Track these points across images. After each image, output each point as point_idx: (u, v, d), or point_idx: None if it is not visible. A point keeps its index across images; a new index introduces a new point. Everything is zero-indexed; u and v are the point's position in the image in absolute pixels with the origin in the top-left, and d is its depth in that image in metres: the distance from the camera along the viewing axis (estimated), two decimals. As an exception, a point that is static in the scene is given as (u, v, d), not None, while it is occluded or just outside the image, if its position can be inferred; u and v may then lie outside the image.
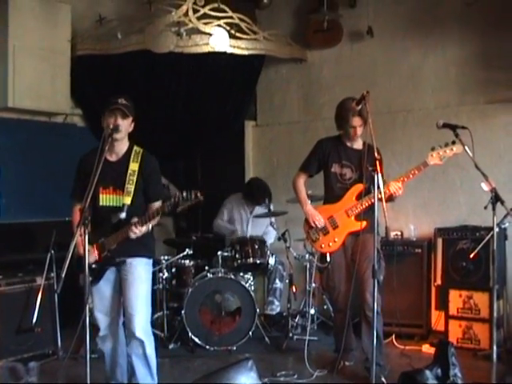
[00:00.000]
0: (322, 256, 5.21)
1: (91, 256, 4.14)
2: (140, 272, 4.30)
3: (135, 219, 4.12)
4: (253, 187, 7.06)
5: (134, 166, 4.27)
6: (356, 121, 4.99)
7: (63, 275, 3.53)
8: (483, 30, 6.41)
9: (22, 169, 6.36)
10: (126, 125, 4.24)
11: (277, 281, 6.71)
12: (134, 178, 4.25)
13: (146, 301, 4.33)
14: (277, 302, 6.73)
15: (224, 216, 7.08)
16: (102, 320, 4.38)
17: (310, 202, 5.42)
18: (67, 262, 3.56)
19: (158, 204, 4.32)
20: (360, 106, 4.71)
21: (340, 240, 5.09)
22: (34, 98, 6.32)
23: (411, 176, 4.86)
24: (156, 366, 4.39)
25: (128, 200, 4.23)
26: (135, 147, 4.37)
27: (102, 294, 4.35)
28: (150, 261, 4.46)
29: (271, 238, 6.87)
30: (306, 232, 5.25)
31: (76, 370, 4.85)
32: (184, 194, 3.98)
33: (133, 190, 4.24)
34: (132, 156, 4.31)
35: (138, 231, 4.11)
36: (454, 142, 4.66)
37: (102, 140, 4.08)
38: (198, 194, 3.99)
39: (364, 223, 4.84)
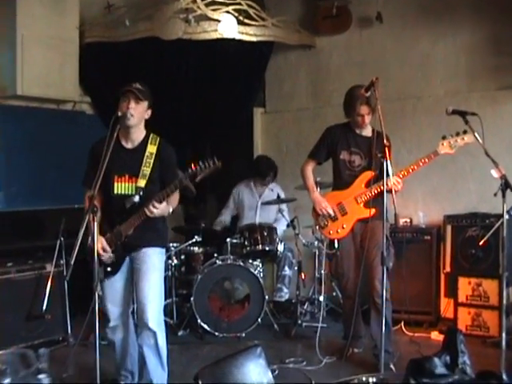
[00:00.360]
0: (331, 242, 5.22)
1: (106, 256, 4.14)
2: (154, 261, 4.23)
3: (153, 199, 4.01)
4: (259, 163, 7.13)
5: (151, 149, 4.17)
6: (364, 109, 4.97)
7: (72, 262, 3.52)
8: (494, 16, 6.36)
9: (31, 156, 6.37)
10: (139, 110, 4.11)
11: (286, 268, 6.70)
12: (151, 161, 4.15)
13: (160, 291, 4.25)
14: (286, 289, 6.73)
15: (230, 204, 7.10)
16: (113, 311, 4.31)
17: (318, 189, 5.42)
18: (76, 248, 3.55)
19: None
20: (369, 93, 4.69)
21: (348, 226, 5.08)
22: (42, 86, 6.33)
23: (421, 164, 4.82)
24: (166, 356, 4.34)
25: (142, 183, 4.13)
26: (152, 134, 4.27)
27: (113, 285, 4.28)
28: (164, 250, 4.40)
29: (283, 225, 6.85)
30: (314, 218, 5.25)
31: (86, 357, 4.89)
32: (201, 162, 3.90)
33: (149, 172, 4.14)
34: (150, 140, 4.22)
35: (156, 207, 4.01)
36: (465, 132, 4.63)
37: (111, 126, 3.94)
38: (216, 161, 3.91)
39: (373, 210, 4.83)
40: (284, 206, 6.90)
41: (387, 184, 4.34)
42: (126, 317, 4.40)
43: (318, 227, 5.26)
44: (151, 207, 4.00)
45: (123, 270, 4.28)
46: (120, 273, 4.28)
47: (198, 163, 3.91)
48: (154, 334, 4.17)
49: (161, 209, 4.06)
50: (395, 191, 4.71)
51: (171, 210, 4.23)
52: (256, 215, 6.92)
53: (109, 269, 4.19)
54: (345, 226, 5.10)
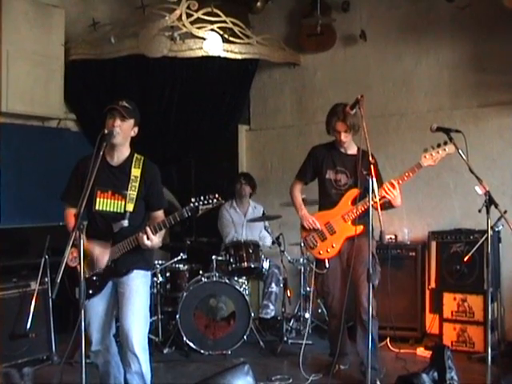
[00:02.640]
0: (320, 262, 5.18)
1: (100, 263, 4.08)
2: (138, 285, 4.14)
3: (147, 227, 3.96)
4: (235, 178, 7.19)
5: (136, 172, 4.11)
6: (339, 126, 5.01)
7: (58, 280, 3.46)
8: (475, 33, 6.45)
9: (16, 174, 6.33)
10: (125, 128, 4.04)
11: (273, 285, 6.69)
12: (137, 185, 4.10)
13: (144, 315, 4.17)
14: (272, 306, 6.71)
15: (227, 221, 7.08)
16: (94, 335, 4.19)
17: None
18: (62, 266, 3.50)
19: (160, 213, 4.19)
20: (354, 111, 4.72)
21: (338, 245, 5.08)
22: (27, 103, 6.30)
23: (405, 178, 4.84)
24: (151, 376, 4.24)
25: (131, 207, 4.08)
26: (136, 154, 4.20)
27: (94, 309, 4.15)
28: (149, 273, 4.31)
29: (268, 242, 6.85)
30: (303, 239, 5.23)
31: (71, 376, 4.82)
32: (202, 197, 3.90)
33: (135, 196, 4.09)
34: (134, 162, 4.15)
35: (151, 239, 3.95)
36: (446, 143, 4.67)
37: (98, 143, 3.86)
38: (218, 197, 3.91)
39: (360, 227, 4.84)
40: (267, 223, 6.88)
41: (373, 200, 4.35)
42: (108, 341, 4.28)
43: (307, 248, 5.25)
44: (145, 239, 3.96)
45: (105, 293, 4.18)
46: (102, 296, 4.17)
47: (200, 198, 3.90)
48: (139, 359, 4.07)
49: (155, 241, 4.01)
50: (390, 200, 4.80)
51: (160, 244, 4.20)
52: (242, 233, 6.91)
53: (90, 291, 4.08)
54: (334, 245, 5.09)
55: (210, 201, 3.91)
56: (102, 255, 4.08)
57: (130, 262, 4.11)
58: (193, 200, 3.92)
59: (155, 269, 6.17)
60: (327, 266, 5.11)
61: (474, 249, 5.48)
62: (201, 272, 6.36)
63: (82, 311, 3.56)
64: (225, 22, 6.66)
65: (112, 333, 4.32)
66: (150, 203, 4.21)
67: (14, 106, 6.20)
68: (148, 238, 3.96)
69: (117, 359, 4.35)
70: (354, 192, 5.02)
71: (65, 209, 4.27)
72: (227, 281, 6.08)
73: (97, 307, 4.17)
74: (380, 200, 4.43)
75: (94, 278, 4.11)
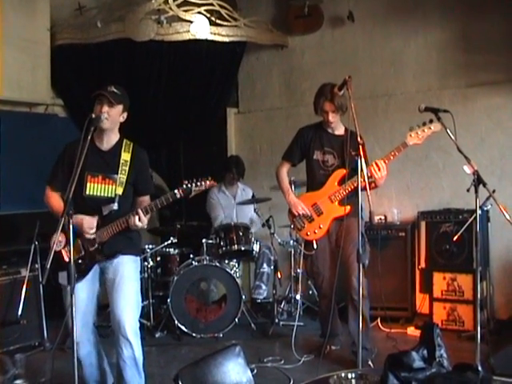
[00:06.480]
0: (309, 243, 5.20)
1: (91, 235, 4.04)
2: (128, 270, 4.11)
3: (139, 209, 3.95)
4: (226, 160, 7.17)
5: (126, 156, 4.10)
6: (327, 105, 5.00)
7: (48, 266, 3.44)
8: (464, 13, 6.44)
9: (3, 160, 6.30)
10: (114, 113, 4.01)
11: (264, 265, 6.72)
12: (127, 169, 4.09)
13: (136, 301, 4.12)
14: (264, 287, 6.75)
15: (216, 204, 7.05)
16: (77, 324, 3.91)
17: (293, 187, 5.43)
18: (52, 252, 3.49)
19: (147, 198, 4.18)
20: (342, 92, 4.72)
21: (325, 226, 5.09)
22: (14, 89, 6.27)
23: (391, 157, 4.83)
24: (143, 360, 4.19)
25: (120, 190, 4.07)
26: (125, 140, 4.20)
27: (78, 297, 3.88)
28: (138, 258, 4.28)
29: (258, 224, 6.86)
30: (291, 221, 5.24)
31: (63, 361, 4.82)
32: (195, 180, 3.91)
33: (125, 180, 4.08)
34: (123, 146, 4.14)
35: (142, 219, 3.95)
36: (431, 121, 4.66)
37: (85, 127, 3.81)
38: (210, 180, 3.95)
39: (348, 208, 4.85)
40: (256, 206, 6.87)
41: (362, 181, 4.34)
42: (89, 330, 4.21)
43: (295, 229, 5.27)
44: (137, 219, 3.94)
45: (89, 279, 4.10)
46: (85, 282, 4.07)
47: (192, 180, 3.92)
48: (131, 344, 4.03)
49: (144, 222, 4.00)
50: (376, 179, 4.77)
51: (146, 226, 4.15)
52: (233, 216, 6.90)
53: (75, 275, 4.06)
54: (322, 226, 5.10)
55: (203, 183, 3.93)
56: (91, 222, 4.04)
57: (118, 245, 4.09)
58: (186, 182, 3.93)
59: (145, 253, 6.18)
60: (315, 247, 5.12)
61: (463, 228, 5.52)
62: (191, 256, 6.37)
63: (73, 297, 3.52)
64: (212, 4, 6.61)
65: (92, 321, 4.25)
66: (137, 188, 4.21)
67: (1, 92, 6.16)
68: (139, 219, 3.96)
69: (99, 348, 4.32)
70: (341, 172, 5.02)
71: (46, 191, 4.19)
72: (218, 264, 6.09)
73: (80, 294, 3.98)
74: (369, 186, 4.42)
75: (80, 261, 4.06)
